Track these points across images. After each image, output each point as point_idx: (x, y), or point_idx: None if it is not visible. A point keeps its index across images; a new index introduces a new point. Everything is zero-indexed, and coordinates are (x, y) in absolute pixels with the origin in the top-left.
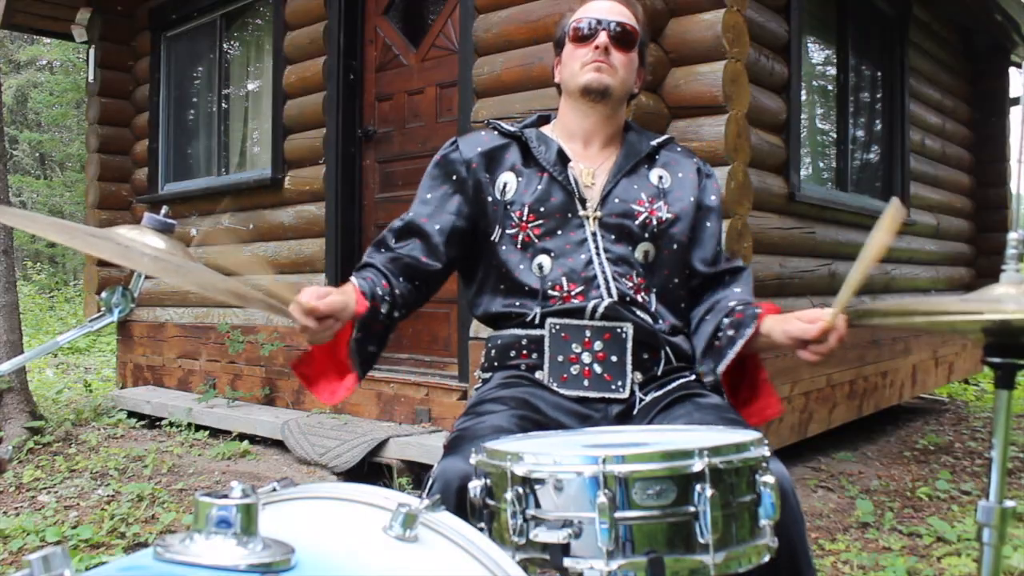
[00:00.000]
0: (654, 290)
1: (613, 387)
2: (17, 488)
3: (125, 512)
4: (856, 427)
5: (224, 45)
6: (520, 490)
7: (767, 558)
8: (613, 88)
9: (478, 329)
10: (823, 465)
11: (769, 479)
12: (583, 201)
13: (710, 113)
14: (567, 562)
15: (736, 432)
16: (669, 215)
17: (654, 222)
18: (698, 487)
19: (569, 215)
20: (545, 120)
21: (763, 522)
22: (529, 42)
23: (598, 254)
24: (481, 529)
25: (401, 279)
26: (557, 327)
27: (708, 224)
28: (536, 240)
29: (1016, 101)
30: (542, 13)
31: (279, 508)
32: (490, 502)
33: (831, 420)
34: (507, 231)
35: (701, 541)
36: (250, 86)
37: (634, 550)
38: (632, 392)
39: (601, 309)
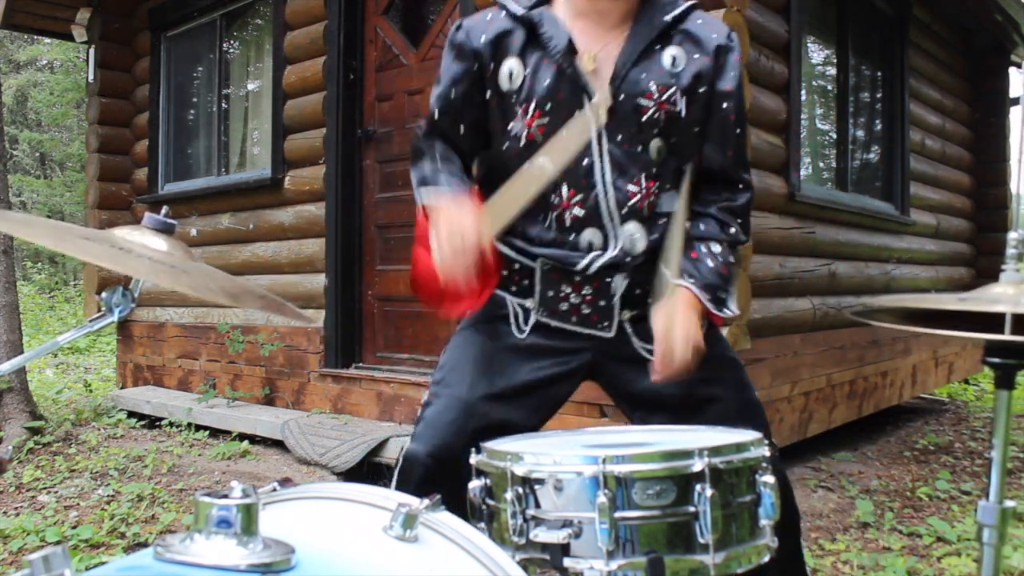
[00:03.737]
0: (666, 187)
1: (600, 326)
2: (17, 488)
3: (125, 512)
4: (856, 427)
5: (224, 45)
6: (520, 490)
7: (767, 558)
8: None
9: None
10: (823, 465)
11: (769, 479)
12: (590, 96)
13: None
14: (567, 562)
15: (736, 432)
16: (681, 107)
17: (663, 117)
18: (698, 487)
19: (576, 112)
20: None
21: (763, 522)
22: None
23: (600, 157)
24: (481, 529)
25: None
26: (548, 266)
27: (721, 113)
28: (540, 139)
29: (1016, 101)
30: None
31: (279, 508)
32: (490, 502)
33: (831, 420)
34: (510, 125)
35: (701, 541)
36: (250, 86)
37: (634, 550)
38: (621, 330)
39: (594, 269)
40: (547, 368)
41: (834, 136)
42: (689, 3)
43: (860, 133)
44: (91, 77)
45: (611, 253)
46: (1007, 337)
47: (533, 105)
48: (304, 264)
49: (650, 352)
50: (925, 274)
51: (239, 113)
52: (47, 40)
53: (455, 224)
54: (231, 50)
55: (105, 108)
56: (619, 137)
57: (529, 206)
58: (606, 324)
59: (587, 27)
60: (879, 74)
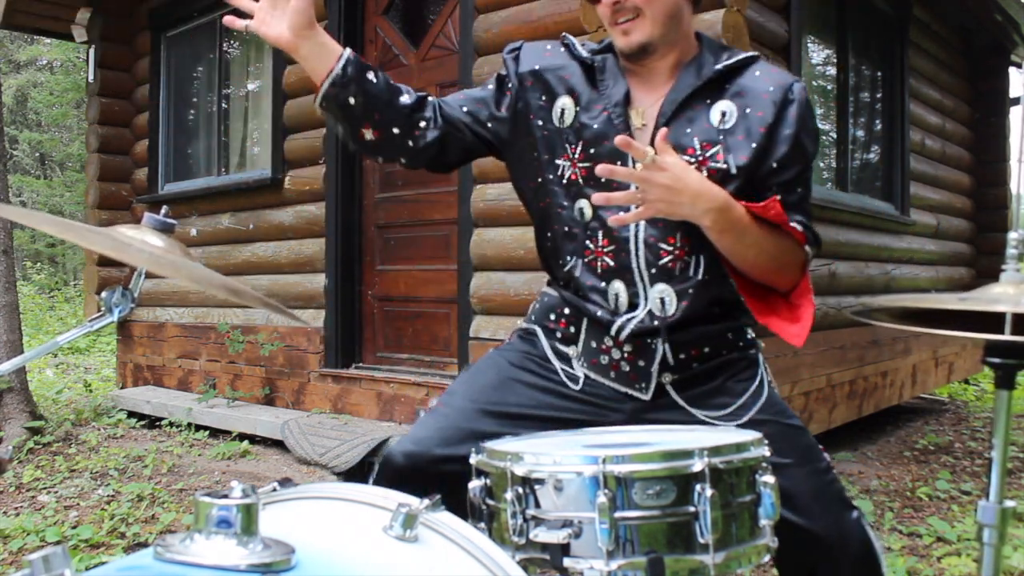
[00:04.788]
0: (704, 252)
1: (637, 387)
2: (17, 488)
3: (125, 512)
4: (856, 427)
5: (224, 45)
6: (520, 490)
7: (767, 558)
8: (650, 40)
9: (478, 329)
10: None
11: (769, 479)
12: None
13: None
14: (567, 562)
15: (736, 432)
16: (724, 165)
17: (704, 175)
18: (698, 487)
19: (618, 163)
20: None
21: (763, 522)
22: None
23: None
24: (481, 529)
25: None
26: (595, 315)
27: (776, 161)
28: (582, 181)
29: (1016, 101)
30: (542, 13)
31: (279, 508)
32: (490, 502)
33: (831, 420)
34: (556, 160)
35: (701, 541)
36: (250, 86)
37: (634, 550)
38: (661, 392)
39: (626, 333)
40: (566, 411)
41: (834, 136)
42: (749, 54)
43: (860, 133)
44: (91, 77)
45: (639, 315)
46: (1007, 337)
47: (580, 147)
48: (304, 264)
49: (695, 414)
50: (925, 274)
51: (239, 113)
52: (47, 40)
53: None
54: (231, 50)
55: (105, 108)
56: None
57: (569, 248)
58: (643, 386)
59: (638, 83)
60: (879, 74)
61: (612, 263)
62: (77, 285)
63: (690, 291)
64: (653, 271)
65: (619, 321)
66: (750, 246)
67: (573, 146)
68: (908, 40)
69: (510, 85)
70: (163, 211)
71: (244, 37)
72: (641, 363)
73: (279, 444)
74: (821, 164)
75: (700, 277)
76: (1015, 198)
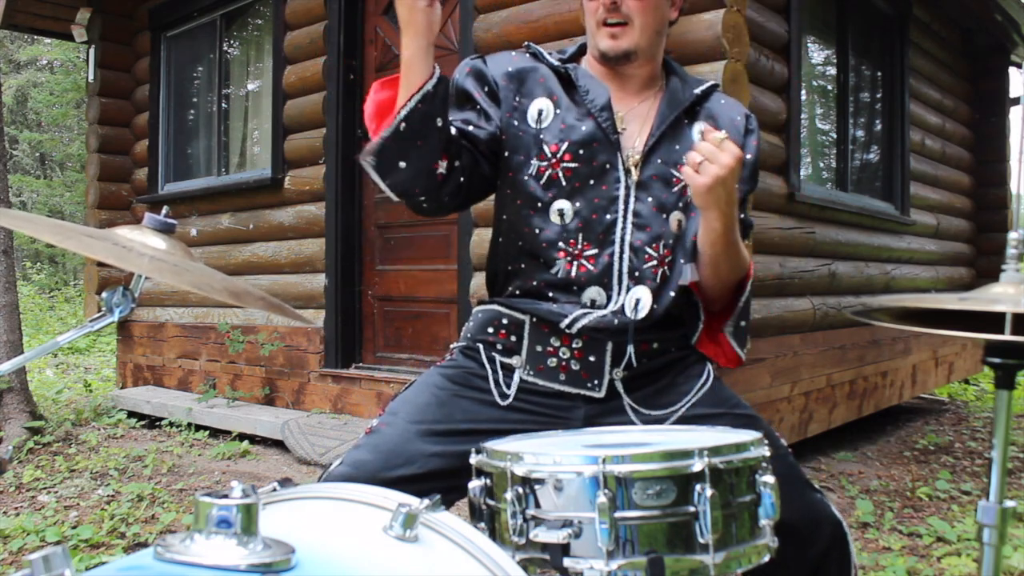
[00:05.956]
0: (678, 261)
1: (589, 385)
2: (17, 488)
3: (125, 512)
4: (856, 427)
5: (224, 45)
6: (520, 490)
7: (767, 558)
8: (635, 48)
9: None
10: (823, 465)
11: (769, 479)
12: (623, 156)
13: None
14: (567, 562)
15: (736, 432)
16: None
17: (690, 192)
18: (698, 487)
19: (607, 167)
20: (584, 52)
21: (763, 522)
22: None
23: (625, 217)
24: (481, 529)
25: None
26: (538, 318)
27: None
28: (564, 182)
29: (1016, 101)
30: (542, 13)
31: (279, 508)
32: (490, 502)
33: (831, 420)
34: (531, 160)
35: (701, 541)
36: (250, 86)
37: (634, 550)
38: (612, 391)
39: (579, 326)
40: (515, 423)
41: (834, 136)
42: (712, 82)
43: (860, 133)
44: (91, 77)
45: (604, 313)
46: (1007, 337)
47: (565, 148)
48: (304, 264)
49: (642, 417)
50: (925, 274)
51: (239, 113)
52: (47, 40)
53: None
54: (231, 50)
55: (105, 108)
56: (648, 199)
57: (543, 252)
58: (596, 383)
59: (612, 89)
60: (879, 74)
61: (592, 267)
62: (77, 285)
63: (662, 297)
64: (636, 274)
65: (574, 314)
66: (734, 255)
67: (555, 145)
68: (908, 40)
69: (487, 89)
70: (163, 211)
71: (244, 37)
72: (592, 358)
73: (279, 444)
74: (821, 164)
75: (679, 284)
76: (1015, 198)
